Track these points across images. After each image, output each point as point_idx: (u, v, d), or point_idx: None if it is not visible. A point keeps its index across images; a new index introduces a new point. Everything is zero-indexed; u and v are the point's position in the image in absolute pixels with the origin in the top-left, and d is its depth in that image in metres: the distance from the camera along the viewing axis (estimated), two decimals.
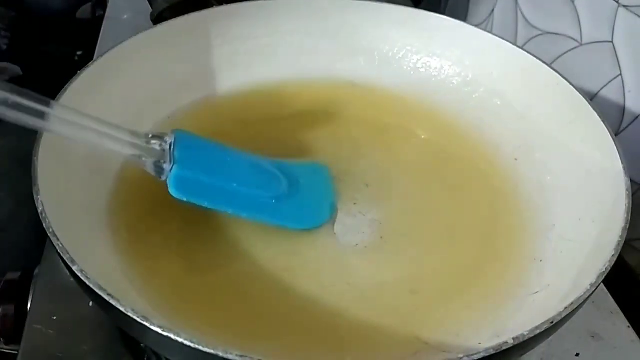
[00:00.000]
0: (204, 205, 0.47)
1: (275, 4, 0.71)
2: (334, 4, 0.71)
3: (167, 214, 0.53)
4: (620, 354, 0.54)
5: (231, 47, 0.70)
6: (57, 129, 0.41)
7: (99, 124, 0.43)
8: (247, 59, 0.71)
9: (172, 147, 0.46)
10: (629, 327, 0.56)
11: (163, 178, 0.46)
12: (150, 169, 0.45)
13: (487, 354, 0.36)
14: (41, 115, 0.39)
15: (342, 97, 0.69)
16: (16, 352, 0.50)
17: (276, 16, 0.71)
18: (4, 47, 0.86)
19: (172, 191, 0.45)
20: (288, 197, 0.52)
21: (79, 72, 0.55)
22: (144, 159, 0.45)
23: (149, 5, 0.86)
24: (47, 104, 0.39)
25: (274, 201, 0.51)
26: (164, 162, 0.45)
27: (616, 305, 0.57)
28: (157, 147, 0.45)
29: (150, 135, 0.46)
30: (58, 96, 0.52)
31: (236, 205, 0.49)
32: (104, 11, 0.99)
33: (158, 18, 0.83)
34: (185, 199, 0.46)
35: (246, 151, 0.54)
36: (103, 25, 0.95)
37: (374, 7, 0.72)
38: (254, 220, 0.51)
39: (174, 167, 0.45)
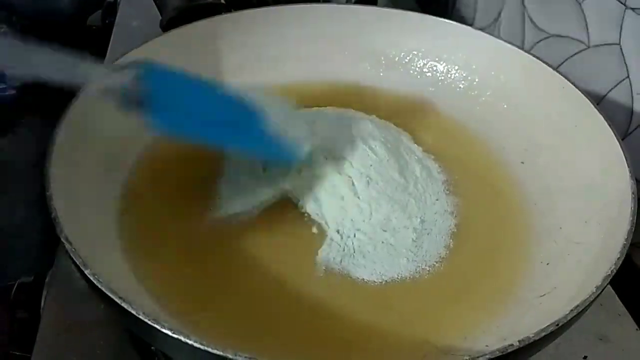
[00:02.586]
0: (180, 136, 0.47)
1: (283, 11, 0.72)
2: (339, 10, 0.72)
3: (177, 219, 0.54)
4: (628, 356, 0.54)
5: (240, 53, 0.71)
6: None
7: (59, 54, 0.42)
8: (255, 64, 0.71)
9: (142, 80, 0.45)
10: (637, 329, 0.55)
11: (129, 110, 0.44)
12: (117, 100, 0.44)
13: (493, 356, 0.36)
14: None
15: (349, 101, 0.70)
16: (29, 356, 0.51)
17: (284, 23, 0.72)
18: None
19: (150, 123, 0.44)
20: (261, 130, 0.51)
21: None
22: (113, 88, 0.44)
23: (159, 13, 0.87)
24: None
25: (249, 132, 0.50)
26: (133, 95, 0.44)
27: (624, 307, 0.57)
28: (128, 79, 0.44)
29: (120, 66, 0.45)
30: (70, 103, 0.53)
31: (211, 135, 0.48)
32: (114, 18, 1.00)
33: (167, 25, 0.84)
34: (162, 131, 0.45)
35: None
36: (113, 32, 0.96)
37: (380, 13, 0.72)
38: (231, 149, 0.51)
39: (150, 101, 0.44)
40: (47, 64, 0.41)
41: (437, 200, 0.58)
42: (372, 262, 0.51)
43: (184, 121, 0.47)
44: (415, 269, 0.51)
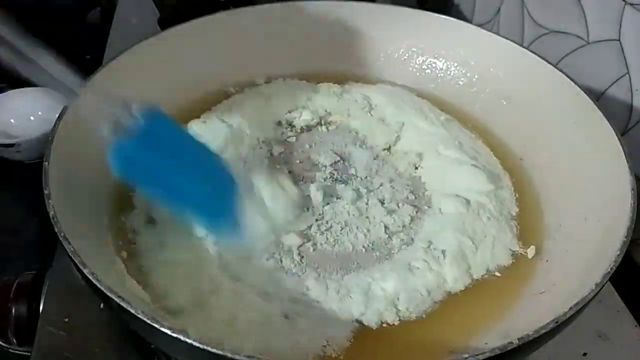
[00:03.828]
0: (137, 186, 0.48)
1: (282, 8, 0.72)
2: (339, 7, 0.72)
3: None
4: (627, 354, 0.54)
5: (237, 49, 0.70)
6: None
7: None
8: (254, 60, 0.71)
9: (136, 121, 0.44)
10: (636, 326, 0.55)
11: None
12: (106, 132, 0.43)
13: (493, 354, 0.36)
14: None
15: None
16: (29, 354, 0.51)
17: (282, 19, 0.72)
18: None
19: (113, 164, 0.43)
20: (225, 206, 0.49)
21: (88, 77, 0.56)
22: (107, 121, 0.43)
23: (156, 10, 0.87)
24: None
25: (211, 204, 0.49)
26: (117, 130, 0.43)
27: (623, 304, 0.57)
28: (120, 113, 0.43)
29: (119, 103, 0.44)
30: (67, 104, 0.53)
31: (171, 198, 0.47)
32: (112, 16, 1.00)
33: (165, 22, 0.84)
34: (121, 174, 0.44)
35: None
36: (111, 29, 0.95)
37: (379, 9, 0.72)
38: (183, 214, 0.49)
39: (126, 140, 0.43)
40: (48, 74, 0.41)
41: None
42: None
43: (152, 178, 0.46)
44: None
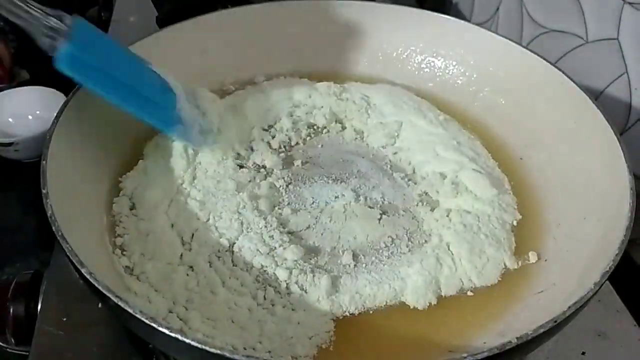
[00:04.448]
0: (85, 85, 0.50)
1: (282, 7, 0.71)
2: (338, 6, 0.72)
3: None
4: (626, 353, 0.54)
5: (237, 48, 0.70)
6: None
7: None
8: (253, 59, 0.71)
9: (68, 27, 0.48)
10: (635, 325, 0.55)
11: (51, 53, 0.47)
12: (42, 41, 0.47)
13: (491, 354, 0.36)
14: None
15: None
16: (27, 353, 0.51)
17: (282, 18, 0.71)
18: (12, 50, 0.87)
19: (61, 64, 0.47)
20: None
21: None
22: (40, 29, 0.47)
23: (155, 9, 0.87)
24: None
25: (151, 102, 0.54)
26: (57, 38, 0.47)
27: (622, 303, 0.57)
28: (54, 23, 0.47)
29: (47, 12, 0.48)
30: (67, 99, 0.53)
31: (116, 93, 0.51)
32: (111, 14, 1.00)
33: (164, 21, 0.83)
34: (70, 74, 0.48)
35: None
36: (110, 28, 0.95)
37: (379, 8, 0.72)
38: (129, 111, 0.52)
39: (68, 43, 0.47)
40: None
41: None
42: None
43: (97, 67, 0.50)
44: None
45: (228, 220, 0.52)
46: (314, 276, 0.48)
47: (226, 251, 0.50)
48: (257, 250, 0.50)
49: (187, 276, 0.48)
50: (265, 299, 0.47)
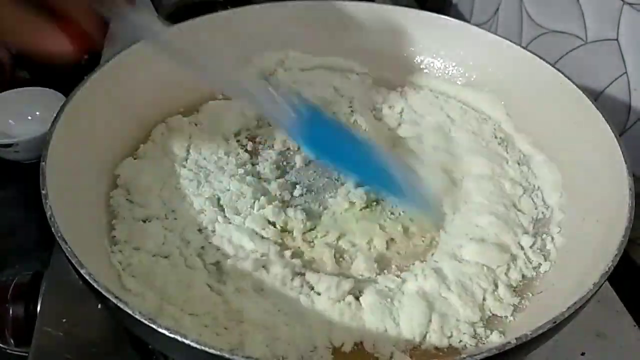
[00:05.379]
0: (327, 162, 0.56)
1: (283, 8, 0.71)
2: (337, 6, 0.72)
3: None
4: (626, 353, 0.54)
5: (236, 49, 0.70)
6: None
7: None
8: (252, 58, 0.71)
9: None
10: (634, 325, 0.55)
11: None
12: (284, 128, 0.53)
13: (491, 354, 0.36)
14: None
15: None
16: (26, 354, 0.51)
17: (283, 18, 0.71)
18: (12, 52, 0.87)
19: (307, 147, 0.53)
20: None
21: (85, 77, 0.56)
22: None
23: (155, 10, 0.87)
24: None
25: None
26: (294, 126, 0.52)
27: (622, 304, 0.57)
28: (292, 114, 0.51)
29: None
30: (67, 99, 0.53)
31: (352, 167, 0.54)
32: None
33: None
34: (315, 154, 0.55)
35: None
36: (109, 30, 0.95)
37: (378, 9, 0.72)
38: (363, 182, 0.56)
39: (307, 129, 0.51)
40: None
41: None
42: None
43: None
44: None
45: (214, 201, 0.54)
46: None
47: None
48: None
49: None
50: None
